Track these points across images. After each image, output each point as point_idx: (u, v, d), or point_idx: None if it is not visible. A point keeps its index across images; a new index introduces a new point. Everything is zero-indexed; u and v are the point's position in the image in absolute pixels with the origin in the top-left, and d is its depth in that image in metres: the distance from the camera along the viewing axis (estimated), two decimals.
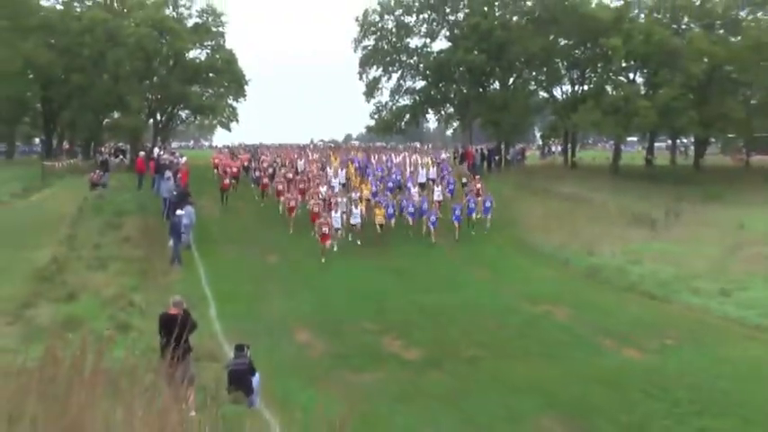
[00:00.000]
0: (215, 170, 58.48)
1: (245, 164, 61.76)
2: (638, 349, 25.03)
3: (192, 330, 17.93)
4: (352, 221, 45.19)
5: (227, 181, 52.31)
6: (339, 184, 53.24)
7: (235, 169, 56.69)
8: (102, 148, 75.20)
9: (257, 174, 56.19)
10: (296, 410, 14.14)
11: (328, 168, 56.59)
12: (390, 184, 53.32)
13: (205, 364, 19.93)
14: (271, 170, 56.70)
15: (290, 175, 54.04)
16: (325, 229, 41.60)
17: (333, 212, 44.23)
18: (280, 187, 50.90)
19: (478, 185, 51.86)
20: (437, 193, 51.43)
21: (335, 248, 42.16)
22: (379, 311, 28.77)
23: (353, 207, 45.43)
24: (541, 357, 24.25)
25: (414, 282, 36.29)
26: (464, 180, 56.44)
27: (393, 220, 47.34)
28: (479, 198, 49.84)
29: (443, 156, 67.47)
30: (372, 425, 15.81)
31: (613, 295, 32.19)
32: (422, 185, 54.57)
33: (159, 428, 7.24)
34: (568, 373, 22.07)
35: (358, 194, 48.47)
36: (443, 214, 47.31)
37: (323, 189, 49.66)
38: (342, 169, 56.26)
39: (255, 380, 18.63)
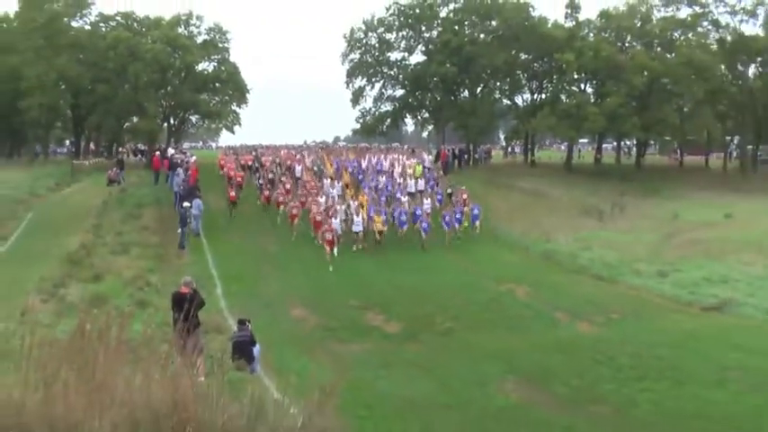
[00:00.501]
0: (220, 170, 55.85)
1: (249, 163, 58.33)
2: (588, 322, 25.11)
3: (200, 307, 17.92)
4: (355, 229, 40.97)
5: (233, 193, 47.03)
6: (336, 194, 47.81)
7: (239, 179, 51.58)
8: (121, 149, 75.89)
9: (260, 181, 50.99)
10: (291, 376, 14.08)
11: (325, 180, 50.62)
12: (383, 198, 48.02)
13: (212, 335, 19.90)
14: (270, 175, 51.61)
15: (289, 186, 48.79)
16: (329, 236, 37.48)
17: (333, 219, 39.89)
18: (280, 198, 45.89)
19: (464, 196, 48.07)
20: (427, 205, 46.23)
21: (335, 254, 37.26)
22: (364, 291, 28.78)
23: (355, 215, 41.29)
24: (505, 329, 24.31)
25: (395, 266, 36.33)
26: (450, 191, 51.51)
27: (386, 227, 42.68)
28: (466, 208, 46.08)
29: (426, 157, 63.53)
30: (358, 389, 15.79)
31: (567, 276, 32.27)
32: (411, 194, 49.67)
33: (173, 391, 7.22)
34: (528, 342, 22.13)
35: (356, 202, 44.03)
36: (433, 221, 43.71)
37: (322, 199, 45.25)
38: (338, 181, 50.84)
39: (256, 350, 18.62)
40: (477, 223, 44.96)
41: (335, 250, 37.57)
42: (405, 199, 47.34)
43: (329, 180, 50.93)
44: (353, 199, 45.83)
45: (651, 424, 13.26)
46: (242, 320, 20.06)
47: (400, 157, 61.50)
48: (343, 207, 43.07)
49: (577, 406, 14.86)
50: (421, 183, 51.84)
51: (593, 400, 15.15)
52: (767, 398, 14.72)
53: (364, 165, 57.76)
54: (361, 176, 54.24)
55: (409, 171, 54.30)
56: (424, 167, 57.27)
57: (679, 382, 16.50)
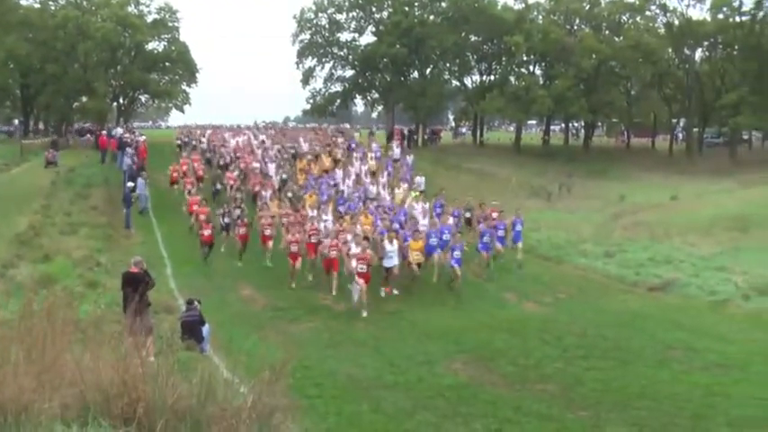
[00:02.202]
0: (172, 183, 44.94)
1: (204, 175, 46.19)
2: (536, 302, 25.29)
3: (150, 287, 17.90)
4: (388, 264, 27.05)
5: (207, 232, 31.79)
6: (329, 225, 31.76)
7: (204, 215, 34.35)
8: (69, 128, 75.68)
9: (225, 220, 33.92)
10: (241, 355, 14.07)
11: (309, 211, 34.54)
12: (396, 225, 31.11)
13: (162, 316, 19.81)
14: (238, 212, 34.11)
15: (270, 220, 32.54)
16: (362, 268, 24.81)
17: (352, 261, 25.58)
18: (267, 232, 31.83)
19: (495, 214, 34.08)
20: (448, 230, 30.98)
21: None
22: (312, 269, 28.73)
23: (387, 243, 26.98)
24: (453, 309, 24.42)
25: None
26: (468, 214, 36.82)
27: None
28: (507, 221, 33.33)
29: (375, 146, 52.43)
30: (307, 368, 15.82)
31: (514, 256, 32.35)
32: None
33: (123, 372, 7.21)
34: (476, 322, 22.23)
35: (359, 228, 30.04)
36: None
37: (322, 225, 31.51)
38: (328, 205, 35.27)
39: (206, 329, 18.60)
40: (520, 245, 32.28)
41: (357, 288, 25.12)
42: (425, 221, 33.47)
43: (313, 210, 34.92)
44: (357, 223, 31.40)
45: (597, 402, 13.43)
46: (190, 300, 20.05)
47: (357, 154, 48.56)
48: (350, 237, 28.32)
49: (524, 384, 15.00)
50: (420, 205, 36.43)
51: (540, 379, 15.29)
52: (711, 377, 14.94)
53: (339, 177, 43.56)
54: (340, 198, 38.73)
55: (401, 197, 39.93)
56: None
57: (625, 362, 16.70)
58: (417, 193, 39.54)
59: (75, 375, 7.18)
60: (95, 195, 43.90)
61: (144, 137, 57.79)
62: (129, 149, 49.46)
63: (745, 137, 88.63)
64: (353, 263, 25.30)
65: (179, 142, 58.49)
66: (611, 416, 12.59)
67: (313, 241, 29.24)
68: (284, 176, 43.52)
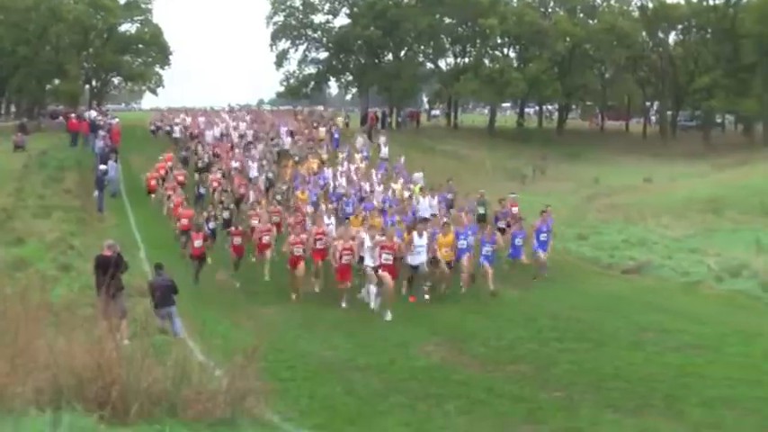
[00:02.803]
0: (149, 191, 40.05)
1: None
2: (509, 284, 25.34)
3: (123, 270, 17.88)
4: (415, 261, 22.93)
5: (197, 244, 26.85)
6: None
7: (186, 220, 30.81)
8: (41, 110, 75.22)
9: (210, 225, 29.71)
10: (215, 339, 14.13)
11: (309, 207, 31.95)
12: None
13: (136, 299, 19.74)
14: (226, 213, 31.41)
15: (268, 225, 28.38)
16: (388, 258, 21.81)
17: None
18: (265, 239, 27.36)
19: (514, 209, 30.94)
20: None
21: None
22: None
23: (417, 236, 22.76)
24: (425, 292, 24.44)
25: None
26: (481, 210, 32.41)
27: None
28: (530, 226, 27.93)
29: (361, 144, 50.62)
30: (281, 350, 15.84)
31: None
32: (424, 219, 27.23)
33: (97, 355, 7.21)
34: (449, 305, 22.32)
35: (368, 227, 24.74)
36: None
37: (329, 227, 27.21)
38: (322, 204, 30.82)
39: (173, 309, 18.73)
40: (545, 253, 26.98)
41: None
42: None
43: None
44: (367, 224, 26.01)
45: (571, 383, 13.51)
46: (159, 265, 20.18)
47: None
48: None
49: (497, 366, 15.06)
50: (431, 200, 32.81)
51: (512, 360, 15.37)
52: (684, 358, 15.04)
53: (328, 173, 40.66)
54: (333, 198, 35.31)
55: (406, 193, 35.42)
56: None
57: (599, 343, 16.79)
58: (419, 188, 36.52)
59: (48, 359, 7.18)
60: (68, 178, 43.72)
61: (117, 119, 57.53)
62: (101, 132, 49.32)
63: (719, 120, 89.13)
64: (373, 256, 21.85)
65: (152, 128, 58.03)
66: (585, 397, 12.67)
67: (320, 247, 25.09)
68: (270, 176, 40.21)
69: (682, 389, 12.78)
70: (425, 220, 25.69)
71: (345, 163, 42.54)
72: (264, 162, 42.95)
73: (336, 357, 16.00)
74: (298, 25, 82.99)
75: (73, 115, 58.50)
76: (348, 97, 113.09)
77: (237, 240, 27.21)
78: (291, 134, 53.11)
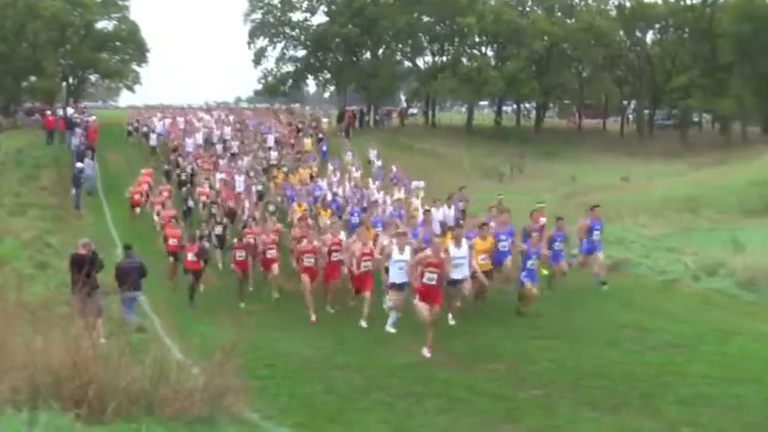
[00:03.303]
0: (133, 206, 36.38)
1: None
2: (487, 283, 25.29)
3: (99, 269, 17.79)
4: (456, 275, 18.39)
5: (191, 257, 23.93)
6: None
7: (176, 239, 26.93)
8: (16, 108, 74.71)
9: (206, 244, 26.59)
10: (193, 337, 14.06)
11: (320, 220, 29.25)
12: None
13: (112, 297, 19.65)
14: (219, 229, 29.33)
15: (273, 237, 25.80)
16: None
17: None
18: (271, 254, 24.76)
19: (542, 219, 25.19)
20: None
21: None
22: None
23: (454, 245, 18.48)
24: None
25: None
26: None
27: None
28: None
29: (350, 156, 47.60)
30: (258, 348, 15.77)
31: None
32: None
33: (74, 354, 7.16)
34: None
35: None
36: None
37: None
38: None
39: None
40: (600, 254, 24.12)
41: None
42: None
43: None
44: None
45: (550, 381, 13.52)
46: (128, 246, 20.08)
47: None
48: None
49: (476, 364, 15.05)
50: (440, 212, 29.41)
51: (491, 358, 15.36)
52: (663, 356, 15.08)
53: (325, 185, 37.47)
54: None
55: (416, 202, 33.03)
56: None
57: (577, 341, 16.79)
58: (422, 194, 34.13)
59: (25, 358, 7.13)
60: (45, 176, 43.60)
61: (94, 117, 57.31)
62: (78, 129, 49.19)
63: (696, 119, 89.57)
64: (412, 275, 17.22)
65: (129, 128, 56.95)
66: (564, 395, 12.67)
67: (335, 259, 21.78)
68: (260, 188, 37.58)
69: (660, 387, 12.81)
70: (458, 226, 21.13)
71: (338, 173, 40.22)
72: (252, 173, 40.84)
73: (316, 355, 15.95)
74: (276, 23, 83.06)
75: (48, 112, 58.22)
76: (326, 95, 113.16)
77: (241, 255, 24.28)
78: (276, 142, 51.83)
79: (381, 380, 14.04)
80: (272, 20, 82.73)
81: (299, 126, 59.52)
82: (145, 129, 55.28)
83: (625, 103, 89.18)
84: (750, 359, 14.58)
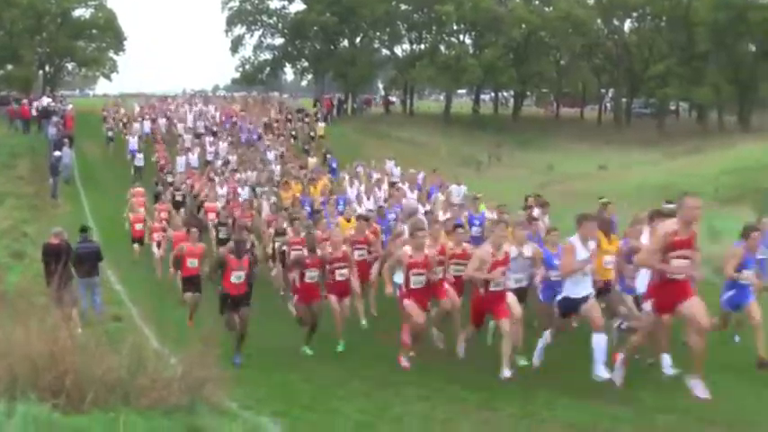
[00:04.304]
0: (132, 226, 28.72)
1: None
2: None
3: (72, 259, 17.64)
4: (577, 293, 12.84)
5: (236, 278, 15.47)
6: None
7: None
8: None
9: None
10: (170, 326, 14.03)
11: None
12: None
13: (85, 281, 19.52)
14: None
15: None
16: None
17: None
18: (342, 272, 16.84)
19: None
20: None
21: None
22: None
23: (580, 243, 12.83)
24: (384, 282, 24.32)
25: None
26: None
27: None
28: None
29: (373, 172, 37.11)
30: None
31: None
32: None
33: (51, 344, 7.16)
34: None
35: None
36: None
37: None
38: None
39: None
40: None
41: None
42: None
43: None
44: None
45: (527, 369, 13.60)
46: (84, 228, 19.63)
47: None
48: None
49: (454, 354, 15.08)
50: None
51: (469, 347, 15.38)
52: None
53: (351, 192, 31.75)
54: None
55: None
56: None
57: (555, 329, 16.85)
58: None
59: (3, 348, 7.12)
60: (21, 165, 43.36)
61: (71, 106, 57.05)
62: (54, 118, 48.95)
63: (673, 108, 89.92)
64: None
65: (109, 132, 50.11)
66: (543, 382, 12.76)
67: (360, 258, 18.80)
68: (273, 200, 30.59)
69: (637, 374, 12.87)
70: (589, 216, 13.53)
71: (356, 182, 33.06)
72: (266, 188, 33.89)
73: (294, 345, 15.95)
74: (253, 11, 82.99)
75: (25, 101, 57.87)
76: (304, 83, 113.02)
77: (312, 276, 16.11)
78: (277, 157, 45.38)
79: (360, 370, 14.08)
80: (249, 8, 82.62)
81: (289, 117, 58.68)
82: (122, 127, 51.11)
83: (603, 91, 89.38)
84: (726, 346, 14.66)
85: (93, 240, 19.82)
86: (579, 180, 47.62)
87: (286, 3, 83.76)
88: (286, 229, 21.69)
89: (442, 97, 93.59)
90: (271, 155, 45.71)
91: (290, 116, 59.80)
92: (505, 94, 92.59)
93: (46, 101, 58.04)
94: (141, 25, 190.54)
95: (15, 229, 28.97)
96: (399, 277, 15.14)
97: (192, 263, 19.06)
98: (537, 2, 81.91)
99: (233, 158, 44.19)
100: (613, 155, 58.27)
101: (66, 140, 43.74)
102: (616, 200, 36.27)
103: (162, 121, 54.62)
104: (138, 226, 28.05)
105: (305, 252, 16.53)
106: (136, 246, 27.69)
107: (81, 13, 78.75)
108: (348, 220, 22.48)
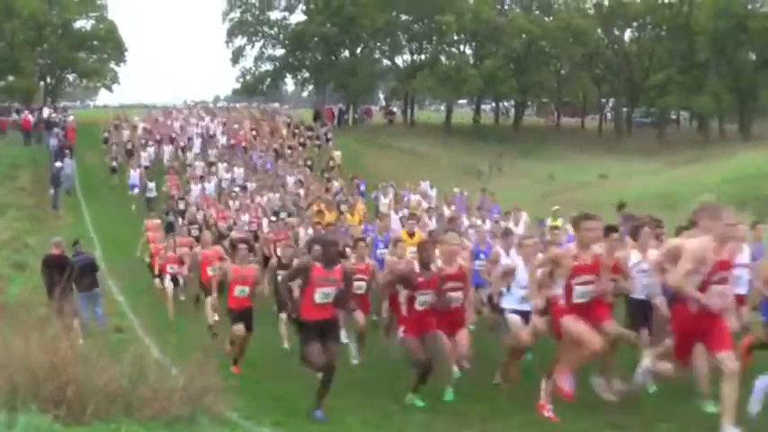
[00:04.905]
0: (152, 264, 24.68)
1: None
2: None
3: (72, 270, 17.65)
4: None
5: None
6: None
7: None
8: None
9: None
10: (171, 337, 14.04)
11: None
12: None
13: (86, 295, 19.54)
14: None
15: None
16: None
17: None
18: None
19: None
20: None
21: None
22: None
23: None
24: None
25: None
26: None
27: None
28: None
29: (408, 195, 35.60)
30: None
31: None
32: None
33: (52, 354, 7.16)
34: None
35: None
36: None
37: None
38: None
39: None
40: None
41: None
42: None
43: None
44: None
45: (530, 378, 13.59)
46: (75, 241, 19.84)
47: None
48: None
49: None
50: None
51: (471, 357, 15.35)
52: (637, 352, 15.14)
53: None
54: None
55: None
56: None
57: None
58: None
59: (4, 359, 7.12)
60: (22, 176, 43.47)
61: (72, 117, 57.13)
62: (56, 129, 49.10)
63: (674, 116, 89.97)
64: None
65: (113, 163, 45.98)
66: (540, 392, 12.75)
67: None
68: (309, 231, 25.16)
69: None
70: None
71: (398, 209, 28.65)
72: (294, 214, 29.43)
73: (295, 355, 15.93)
74: (254, 22, 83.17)
75: (26, 113, 57.98)
76: (304, 94, 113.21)
77: (424, 300, 12.29)
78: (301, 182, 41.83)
79: (361, 379, 14.06)
80: (250, 18, 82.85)
81: (302, 142, 55.39)
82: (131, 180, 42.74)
83: (603, 101, 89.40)
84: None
85: (85, 252, 19.80)
86: (580, 189, 47.61)
87: (287, 14, 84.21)
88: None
89: (442, 107, 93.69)
90: (291, 179, 42.47)
91: (302, 141, 55.34)
92: (506, 104, 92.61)
93: (47, 112, 58.13)
94: (142, 36, 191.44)
95: (17, 240, 29.03)
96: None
97: (241, 291, 15.11)
98: (537, 12, 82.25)
99: (251, 185, 39.84)
100: (614, 164, 58.28)
101: (67, 151, 43.88)
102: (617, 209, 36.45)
103: (168, 149, 49.39)
104: (155, 255, 24.17)
105: (415, 268, 12.39)
106: (157, 281, 23.46)
107: (82, 24, 79.15)
108: (411, 235, 19.29)
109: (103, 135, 52.57)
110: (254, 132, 55.82)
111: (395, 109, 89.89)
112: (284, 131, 57.97)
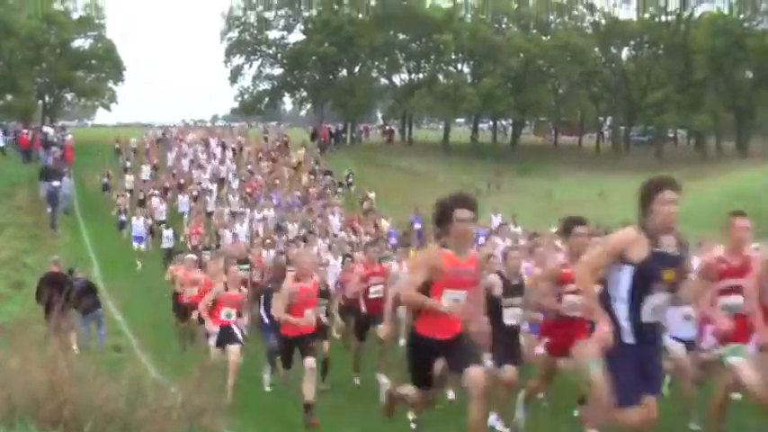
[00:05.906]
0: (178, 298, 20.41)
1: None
2: None
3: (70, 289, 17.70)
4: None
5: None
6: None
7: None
8: None
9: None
10: (168, 355, 14.02)
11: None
12: None
13: (89, 317, 19.55)
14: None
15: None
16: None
17: None
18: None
19: None
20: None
21: None
22: None
23: None
24: None
25: None
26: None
27: None
28: None
29: None
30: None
31: None
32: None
33: (50, 373, 7.14)
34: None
35: None
36: None
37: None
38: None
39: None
40: None
41: None
42: None
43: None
44: None
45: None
46: (71, 270, 19.92)
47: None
48: None
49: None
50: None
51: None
52: None
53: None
54: None
55: None
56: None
57: None
58: None
59: (2, 378, 7.10)
60: (20, 195, 43.37)
61: (70, 135, 57.15)
62: (53, 148, 49.08)
63: (671, 134, 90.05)
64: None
65: (121, 216, 38.48)
66: (544, 404, 12.72)
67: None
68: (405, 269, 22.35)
69: None
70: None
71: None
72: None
73: (293, 372, 15.91)
74: (252, 41, 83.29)
75: (25, 131, 57.96)
76: (303, 113, 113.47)
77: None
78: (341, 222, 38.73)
79: (361, 396, 14.03)
80: (248, 38, 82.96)
81: (327, 191, 47.48)
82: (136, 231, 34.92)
83: (601, 119, 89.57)
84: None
85: (81, 276, 19.79)
86: (579, 207, 47.33)
87: (285, 33, 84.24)
88: None
89: (440, 126, 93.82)
90: (335, 219, 38.86)
91: (328, 190, 47.96)
92: (504, 122, 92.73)
93: (51, 131, 58.14)
94: (140, 55, 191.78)
95: (15, 260, 29.04)
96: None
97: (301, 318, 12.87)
98: (535, 31, 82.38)
99: (292, 226, 34.85)
100: (612, 182, 58.25)
101: (65, 170, 43.89)
102: (616, 226, 36.34)
103: (184, 199, 42.04)
104: (181, 286, 20.12)
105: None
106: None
107: (80, 43, 79.24)
108: None
109: (102, 180, 46.30)
110: (269, 171, 50.38)
111: (393, 128, 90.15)
112: (305, 178, 50.57)
